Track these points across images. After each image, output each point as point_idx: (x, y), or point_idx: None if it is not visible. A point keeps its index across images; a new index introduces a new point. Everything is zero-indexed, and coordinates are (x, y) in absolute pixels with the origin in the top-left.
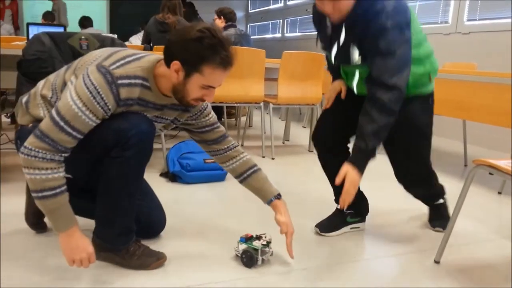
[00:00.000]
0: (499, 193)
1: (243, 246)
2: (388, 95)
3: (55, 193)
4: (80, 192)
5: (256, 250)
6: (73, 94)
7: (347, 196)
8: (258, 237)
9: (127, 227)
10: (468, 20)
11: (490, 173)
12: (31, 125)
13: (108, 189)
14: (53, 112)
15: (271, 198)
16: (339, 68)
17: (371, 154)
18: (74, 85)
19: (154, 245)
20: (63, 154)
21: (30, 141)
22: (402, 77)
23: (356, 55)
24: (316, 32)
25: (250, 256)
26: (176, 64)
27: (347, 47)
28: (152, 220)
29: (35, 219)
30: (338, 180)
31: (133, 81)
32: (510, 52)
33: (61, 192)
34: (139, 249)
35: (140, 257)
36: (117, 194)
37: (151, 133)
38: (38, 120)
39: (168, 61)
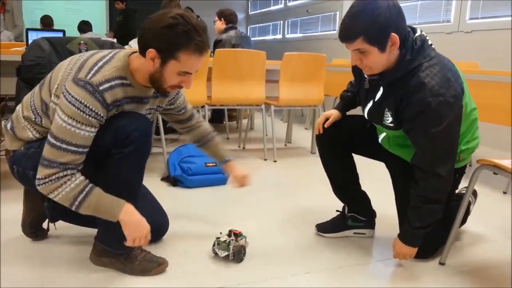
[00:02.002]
0: (504, 193)
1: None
2: (432, 184)
3: (86, 193)
4: None
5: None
6: (62, 115)
7: (397, 257)
8: (230, 234)
9: None
10: (470, 18)
11: (494, 173)
12: (23, 148)
13: (109, 189)
14: (51, 139)
15: (226, 159)
16: (352, 99)
17: (418, 231)
18: (59, 106)
19: (155, 250)
20: (77, 168)
21: (41, 173)
22: (449, 163)
23: (389, 119)
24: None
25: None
26: (151, 52)
27: (382, 109)
28: (154, 224)
29: (32, 229)
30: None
31: (113, 83)
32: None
33: (90, 189)
34: (140, 254)
35: (142, 262)
36: (118, 193)
37: (149, 128)
38: (28, 142)
39: (143, 49)
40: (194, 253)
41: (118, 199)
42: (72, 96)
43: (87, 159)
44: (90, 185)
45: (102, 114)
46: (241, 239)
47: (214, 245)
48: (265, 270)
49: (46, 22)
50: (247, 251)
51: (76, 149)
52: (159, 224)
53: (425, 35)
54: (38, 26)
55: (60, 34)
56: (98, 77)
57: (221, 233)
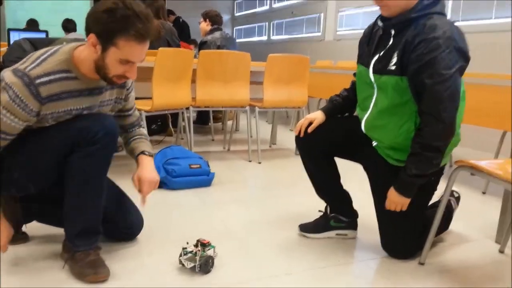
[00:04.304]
0: (483, 193)
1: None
2: (435, 130)
3: None
4: (51, 200)
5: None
6: None
7: (389, 206)
8: (198, 244)
9: (90, 228)
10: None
11: (471, 174)
12: None
13: (71, 184)
14: None
15: (138, 153)
16: (340, 105)
17: (412, 179)
18: None
19: (140, 252)
20: None
21: None
22: (453, 111)
23: (393, 61)
24: (358, 54)
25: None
26: (92, 37)
27: (391, 53)
28: (129, 221)
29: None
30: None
31: (53, 77)
32: (492, 53)
33: None
34: (88, 257)
35: (82, 265)
36: (80, 189)
37: (115, 129)
38: None
39: (86, 35)
40: (169, 255)
41: None
42: (7, 84)
43: (52, 159)
44: None
45: (33, 108)
46: (209, 249)
47: (180, 255)
48: (246, 271)
49: (32, 24)
50: (215, 261)
51: None
52: (132, 224)
53: None
54: (21, 26)
55: (43, 35)
56: (38, 70)
57: (187, 243)
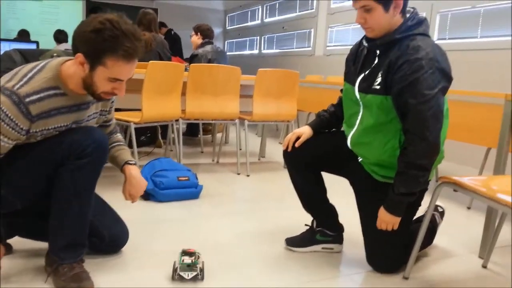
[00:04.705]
0: (468, 208)
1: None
2: (419, 149)
3: None
4: (34, 214)
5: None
6: None
7: (380, 226)
8: (189, 253)
9: (77, 240)
10: (438, 39)
11: (454, 190)
12: None
13: (60, 197)
14: None
15: (122, 164)
16: (327, 121)
17: (401, 198)
18: None
19: (125, 264)
20: None
21: None
22: (436, 129)
23: (378, 81)
24: (345, 70)
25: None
26: (79, 56)
27: (376, 73)
28: (113, 233)
29: None
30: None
31: (42, 94)
32: (478, 71)
33: None
34: (72, 270)
35: (66, 279)
36: (69, 202)
37: (106, 142)
38: None
39: (74, 53)
40: (155, 267)
41: None
42: None
43: (42, 172)
44: None
45: (23, 127)
46: (199, 256)
47: (176, 270)
48: (233, 284)
49: (23, 35)
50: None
51: None
52: (117, 236)
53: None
54: (12, 35)
55: (34, 45)
56: (26, 88)
57: (184, 254)
